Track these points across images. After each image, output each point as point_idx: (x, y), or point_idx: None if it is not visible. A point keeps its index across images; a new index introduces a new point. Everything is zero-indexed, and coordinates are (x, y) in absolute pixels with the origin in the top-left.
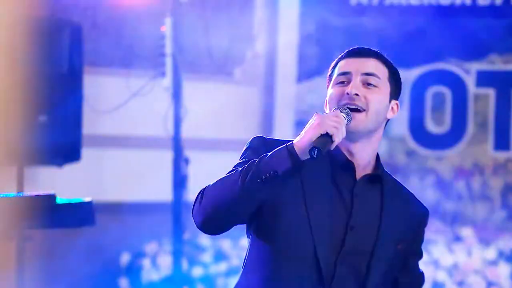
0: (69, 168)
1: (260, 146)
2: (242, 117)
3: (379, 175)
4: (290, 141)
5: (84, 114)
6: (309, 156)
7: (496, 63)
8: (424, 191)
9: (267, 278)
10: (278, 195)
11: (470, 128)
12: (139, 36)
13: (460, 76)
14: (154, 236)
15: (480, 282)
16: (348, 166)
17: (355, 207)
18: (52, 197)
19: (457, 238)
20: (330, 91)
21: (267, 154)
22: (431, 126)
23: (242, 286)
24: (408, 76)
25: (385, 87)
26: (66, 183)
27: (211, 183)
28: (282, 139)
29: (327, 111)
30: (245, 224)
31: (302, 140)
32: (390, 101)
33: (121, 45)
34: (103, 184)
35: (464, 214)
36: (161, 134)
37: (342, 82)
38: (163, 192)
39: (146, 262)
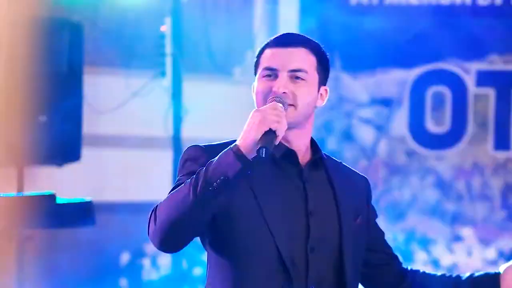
0: (69, 168)
1: (199, 156)
2: (242, 117)
3: (321, 157)
4: (231, 142)
5: (84, 114)
6: (255, 155)
7: (496, 63)
8: (424, 191)
9: (234, 286)
10: (229, 200)
11: (470, 128)
12: (139, 36)
13: (460, 76)
14: None
15: None
16: (291, 155)
17: (309, 193)
18: (52, 197)
19: (457, 238)
20: (257, 83)
21: (213, 161)
22: (431, 126)
23: None
24: (408, 76)
25: (313, 78)
26: (66, 183)
27: (162, 201)
28: (220, 142)
29: (255, 103)
30: (199, 237)
31: (246, 141)
32: (319, 90)
33: (121, 45)
34: (103, 184)
35: (464, 214)
36: (161, 134)
37: (268, 76)
38: (163, 192)
39: (146, 262)
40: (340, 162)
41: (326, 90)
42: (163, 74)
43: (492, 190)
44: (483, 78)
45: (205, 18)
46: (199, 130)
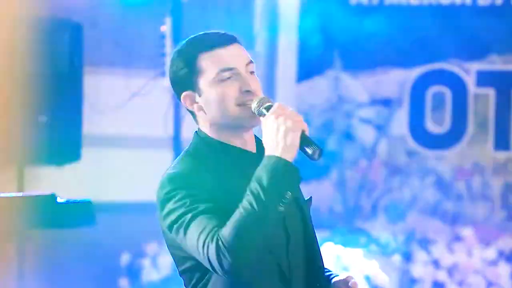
0: (69, 168)
1: (193, 184)
2: None
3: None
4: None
5: (84, 114)
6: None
7: (496, 63)
8: (424, 191)
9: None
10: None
11: (470, 128)
12: (139, 36)
13: (460, 76)
14: (154, 236)
15: (480, 282)
16: (253, 156)
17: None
18: (52, 197)
19: (457, 238)
20: (215, 90)
21: (262, 179)
22: (431, 126)
23: None
24: (408, 76)
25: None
26: (66, 183)
27: (226, 235)
28: (182, 165)
29: (209, 109)
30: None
31: (291, 149)
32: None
33: (121, 45)
34: (103, 184)
35: (464, 214)
36: (161, 134)
37: (228, 78)
38: None
39: (146, 262)
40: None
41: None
42: (163, 74)
43: (492, 190)
44: (483, 78)
45: (205, 18)
46: None
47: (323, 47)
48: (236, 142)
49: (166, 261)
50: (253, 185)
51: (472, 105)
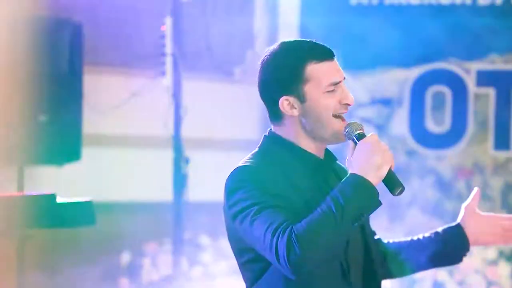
0: (69, 168)
1: (263, 178)
2: (242, 117)
3: (334, 159)
4: (255, 158)
5: (84, 114)
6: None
7: (496, 63)
8: (424, 191)
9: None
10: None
11: (470, 128)
12: (139, 36)
13: (460, 76)
14: (154, 236)
15: (480, 282)
16: (321, 162)
17: None
18: (52, 197)
19: None
20: (322, 100)
21: (347, 193)
22: (431, 126)
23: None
24: (408, 76)
25: None
26: (66, 183)
27: (300, 231)
28: (251, 159)
29: (308, 117)
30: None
31: (379, 179)
32: None
33: (121, 45)
34: (103, 184)
35: None
36: (161, 134)
37: (333, 91)
38: (163, 192)
39: (146, 262)
40: (343, 167)
41: None
42: (163, 74)
43: (492, 190)
44: (483, 78)
45: (205, 18)
46: (199, 130)
47: None
48: (316, 152)
49: (166, 261)
50: (335, 194)
51: (472, 105)
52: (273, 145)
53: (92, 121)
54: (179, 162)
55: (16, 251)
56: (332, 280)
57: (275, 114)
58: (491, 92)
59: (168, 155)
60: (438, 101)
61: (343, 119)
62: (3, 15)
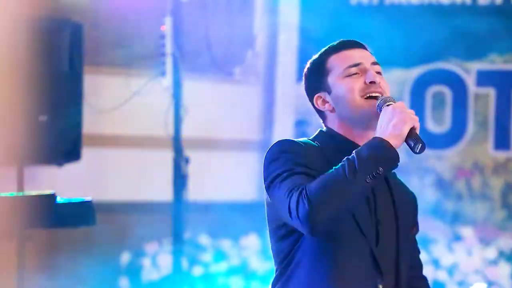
0: (69, 168)
1: (299, 152)
2: (242, 117)
3: None
4: (308, 142)
5: (84, 114)
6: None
7: (496, 63)
8: (424, 191)
9: (331, 275)
10: None
11: (470, 128)
12: (139, 36)
13: (460, 76)
14: (154, 236)
15: (480, 282)
16: None
17: (378, 201)
18: (52, 197)
19: (457, 238)
20: (343, 84)
21: (362, 152)
22: (431, 126)
23: (300, 283)
24: (408, 76)
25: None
26: (66, 183)
27: (311, 185)
28: (302, 140)
29: (338, 105)
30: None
31: (396, 137)
32: None
33: (121, 45)
34: (103, 183)
35: (464, 214)
36: (161, 134)
37: (355, 74)
38: (163, 192)
39: (146, 262)
40: (394, 173)
41: None
42: (163, 74)
43: (492, 190)
44: (483, 78)
45: (205, 18)
46: (199, 130)
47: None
48: (359, 141)
49: (166, 261)
50: (352, 155)
51: (472, 105)
52: (319, 134)
53: (92, 121)
54: (179, 162)
55: (16, 251)
56: (364, 271)
57: (319, 114)
58: (491, 92)
59: (168, 155)
60: (438, 101)
61: (376, 99)
62: (3, 15)
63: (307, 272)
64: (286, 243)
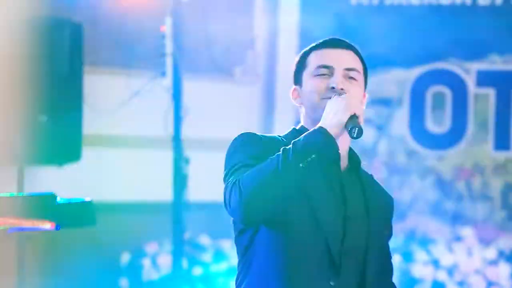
0: (69, 168)
1: (258, 141)
2: (242, 117)
3: (359, 163)
4: (277, 137)
5: (84, 114)
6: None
7: (496, 63)
8: (424, 191)
9: (283, 276)
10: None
11: (470, 128)
12: (139, 36)
13: (460, 76)
14: (154, 236)
15: (480, 282)
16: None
17: (348, 197)
18: (52, 197)
19: (457, 238)
20: (308, 83)
21: (299, 140)
22: (431, 126)
23: (254, 285)
24: (408, 76)
25: (361, 81)
26: (66, 183)
27: (245, 176)
28: (270, 135)
29: (304, 102)
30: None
31: (332, 122)
32: (363, 94)
33: (121, 45)
34: (103, 184)
35: (464, 214)
36: (161, 134)
37: (323, 75)
38: (163, 192)
39: (146, 262)
40: (371, 175)
41: (365, 95)
42: (163, 74)
43: (492, 190)
44: (483, 78)
45: (205, 18)
46: (199, 130)
47: None
48: None
49: (166, 261)
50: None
51: (472, 105)
52: (289, 132)
53: (92, 121)
54: (179, 162)
55: (16, 251)
56: (316, 265)
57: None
58: (491, 92)
59: (168, 155)
60: (438, 101)
61: None
62: (3, 15)
63: (262, 263)
64: (246, 236)
